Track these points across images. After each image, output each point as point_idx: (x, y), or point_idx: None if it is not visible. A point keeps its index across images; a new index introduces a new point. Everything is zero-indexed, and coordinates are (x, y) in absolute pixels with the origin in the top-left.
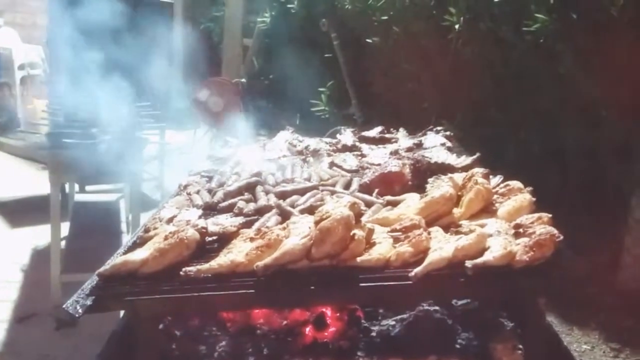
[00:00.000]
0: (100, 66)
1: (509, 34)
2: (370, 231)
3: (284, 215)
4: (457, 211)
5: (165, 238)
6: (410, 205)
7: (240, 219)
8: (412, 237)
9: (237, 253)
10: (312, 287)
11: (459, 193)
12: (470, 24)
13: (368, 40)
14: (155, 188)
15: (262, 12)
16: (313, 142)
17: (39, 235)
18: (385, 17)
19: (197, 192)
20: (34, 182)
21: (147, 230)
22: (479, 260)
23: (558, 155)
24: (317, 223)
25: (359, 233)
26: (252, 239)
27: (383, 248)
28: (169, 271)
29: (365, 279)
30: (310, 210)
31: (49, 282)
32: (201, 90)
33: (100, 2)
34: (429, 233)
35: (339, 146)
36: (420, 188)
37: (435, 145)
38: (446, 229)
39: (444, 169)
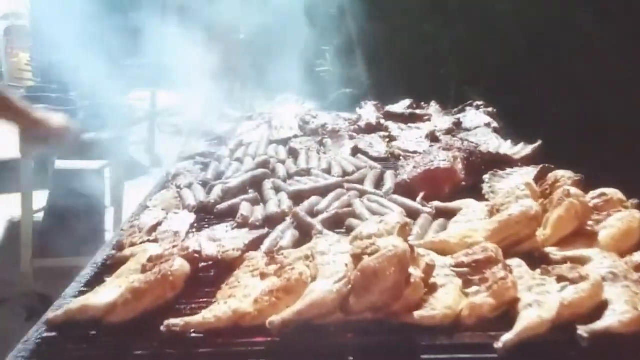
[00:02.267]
0: (86, 19)
1: None
2: (430, 268)
3: (303, 229)
4: (540, 232)
5: (144, 269)
6: (473, 219)
7: (245, 234)
8: (492, 281)
9: (242, 298)
10: (351, 358)
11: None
12: None
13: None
14: (144, 152)
15: None
16: (329, 119)
17: (16, 203)
18: None
19: (189, 187)
20: (14, 143)
21: (120, 247)
22: (599, 326)
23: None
24: (356, 258)
25: (415, 274)
26: (263, 275)
27: (450, 298)
28: (146, 321)
29: (429, 349)
30: (337, 219)
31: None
32: (196, 47)
33: None
34: (510, 271)
35: (362, 125)
36: (473, 189)
37: (479, 125)
38: (528, 258)
39: (498, 160)
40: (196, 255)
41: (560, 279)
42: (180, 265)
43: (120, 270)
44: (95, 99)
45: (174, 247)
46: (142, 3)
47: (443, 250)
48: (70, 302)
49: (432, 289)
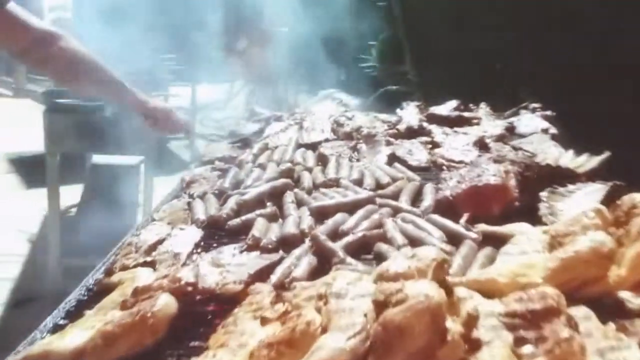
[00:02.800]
0: (126, 13)
1: None
2: (472, 319)
3: (323, 254)
4: (613, 273)
5: (123, 306)
6: (528, 250)
7: (254, 260)
8: (552, 342)
9: (235, 349)
10: None
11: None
12: None
13: None
14: (184, 148)
15: None
16: (366, 121)
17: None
18: None
19: (203, 197)
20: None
21: (109, 273)
22: None
23: None
24: (379, 306)
25: (453, 329)
26: (263, 320)
27: None
28: None
29: None
30: (364, 243)
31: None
32: (239, 40)
33: None
34: (576, 326)
35: (402, 128)
36: (528, 210)
37: (535, 131)
38: (597, 305)
39: (558, 174)
40: (189, 288)
41: (628, 329)
42: (163, 305)
43: (103, 302)
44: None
45: (164, 277)
46: None
47: (489, 291)
48: (35, 343)
49: (474, 346)
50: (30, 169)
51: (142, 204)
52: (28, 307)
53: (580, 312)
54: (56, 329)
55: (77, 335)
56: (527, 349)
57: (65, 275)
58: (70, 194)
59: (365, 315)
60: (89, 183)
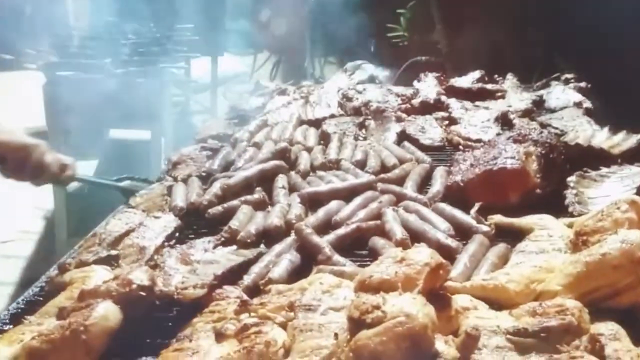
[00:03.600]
0: None
1: None
2: (471, 340)
3: (307, 250)
4: None
5: (60, 315)
6: (548, 249)
7: (228, 257)
8: None
9: None
10: None
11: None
12: None
13: None
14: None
15: None
16: (378, 94)
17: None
18: None
19: (186, 180)
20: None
21: (62, 269)
22: None
23: None
24: (354, 324)
25: (446, 354)
26: (219, 337)
27: None
28: None
29: None
30: (359, 236)
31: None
32: (263, 9)
33: None
34: (601, 350)
35: (416, 103)
36: (552, 198)
37: (567, 105)
38: (628, 320)
39: (590, 155)
40: (142, 293)
41: None
42: (100, 317)
43: (46, 306)
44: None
45: (114, 278)
46: None
47: (498, 300)
48: None
49: None
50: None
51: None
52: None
53: (608, 330)
54: None
55: (4, 349)
56: None
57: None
58: (88, 171)
59: (336, 336)
60: (104, 158)
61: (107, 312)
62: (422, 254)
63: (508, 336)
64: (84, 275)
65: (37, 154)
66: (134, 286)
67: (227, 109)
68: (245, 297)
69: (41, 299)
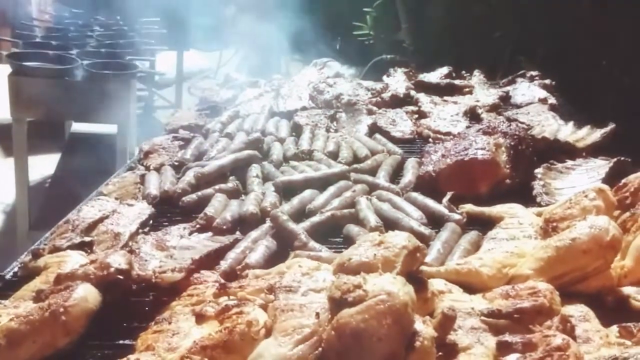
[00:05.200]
0: None
1: None
2: (448, 320)
3: (284, 237)
4: (616, 265)
5: (37, 298)
6: (518, 236)
7: (204, 242)
8: (542, 351)
9: (163, 353)
10: None
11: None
12: None
13: None
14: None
15: None
16: (348, 88)
17: (36, 165)
18: None
19: (159, 169)
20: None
21: (36, 254)
22: None
23: None
24: (335, 304)
25: (424, 332)
26: (199, 317)
27: None
28: None
29: None
30: (333, 223)
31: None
32: (228, 5)
33: None
34: (571, 330)
35: (386, 97)
36: (521, 188)
37: (533, 101)
38: (597, 303)
39: (556, 149)
40: (120, 277)
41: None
42: (80, 299)
43: (21, 290)
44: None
45: (92, 262)
46: None
47: (471, 284)
48: None
49: (450, 353)
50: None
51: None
52: None
53: (578, 312)
54: None
55: None
56: (512, 358)
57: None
58: (50, 164)
59: (318, 315)
60: (65, 152)
61: (86, 294)
62: (399, 237)
63: (482, 318)
64: (59, 260)
65: None
66: (112, 270)
67: (197, 101)
68: (223, 281)
69: (14, 284)
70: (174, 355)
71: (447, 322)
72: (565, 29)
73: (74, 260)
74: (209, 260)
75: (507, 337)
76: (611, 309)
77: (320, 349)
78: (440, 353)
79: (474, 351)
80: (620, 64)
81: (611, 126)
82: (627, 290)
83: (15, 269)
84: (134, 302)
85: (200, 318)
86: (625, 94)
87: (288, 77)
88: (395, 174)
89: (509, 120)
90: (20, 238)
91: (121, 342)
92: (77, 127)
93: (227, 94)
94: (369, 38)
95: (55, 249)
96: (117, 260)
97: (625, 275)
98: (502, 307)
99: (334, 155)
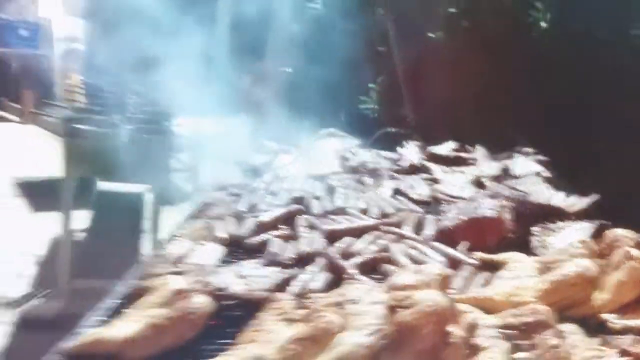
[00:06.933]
0: (135, 48)
1: (610, 36)
2: (472, 327)
3: (335, 272)
4: (597, 296)
5: (165, 304)
6: (521, 275)
7: (274, 273)
8: (542, 349)
9: (264, 344)
10: None
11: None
12: (559, 22)
13: (430, 35)
14: (187, 179)
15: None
16: (369, 157)
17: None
18: (453, 10)
19: (221, 218)
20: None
21: (143, 278)
22: None
23: None
24: (391, 311)
25: (456, 333)
26: (289, 320)
27: None
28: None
29: None
30: (372, 264)
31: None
32: (243, 76)
33: None
34: (563, 337)
35: (404, 165)
36: (522, 243)
37: (528, 173)
38: (582, 325)
39: (550, 213)
40: (220, 292)
41: (624, 353)
42: (203, 303)
43: (141, 302)
44: (141, 123)
45: (197, 282)
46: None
47: (487, 308)
48: (87, 332)
49: (474, 350)
50: (40, 194)
51: (150, 230)
52: (36, 329)
53: (568, 328)
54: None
55: (124, 327)
56: (520, 354)
57: (73, 297)
58: (78, 218)
59: (379, 316)
60: (96, 209)
61: (206, 300)
62: (434, 267)
63: (498, 329)
64: (164, 282)
65: None
66: (214, 287)
67: (237, 163)
68: (299, 299)
69: (120, 301)
70: (272, 345)
71: (472, 329)
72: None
73: (177, 282)
74: (283, 286)
75: (517, 342)
76: (593, 329)
77: (384, 339)
78: (467, 351)
79: (492, 351)
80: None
81: (596, 197)
82: (606, 316)
83: (125, 290)
84: (227, 315)
85: (290, 321)
86: (608, 172)
87: (311, 145)
88: (418, 228)
89: (510, 188)
90: (61, 288)
91: (223, 341)
92: (103, 185)
93: (262, 158)
94: (373, 112)
95: (157, 275)
96: (217, 280)
97: (604, 305)
98: (512, 321)
99: (365, 212)
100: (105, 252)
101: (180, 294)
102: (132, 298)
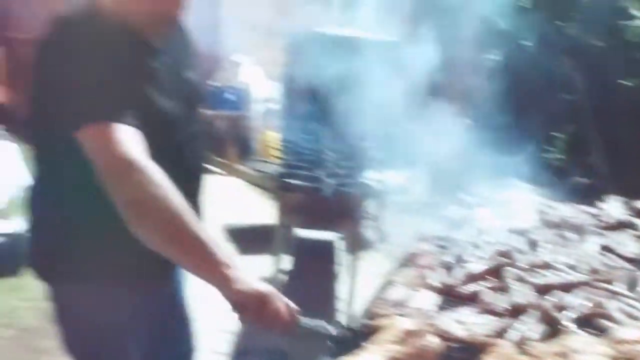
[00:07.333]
0: (327, 108)
1: None
2: None
3: (549, 323)
4: None
5: (400, 341)
6: None
7: (490, 321)
8: None
9: None
10: None
11: None
12: None
13: (622, 82)
14: (371, 229)
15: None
16: (569, 212)
17: (260, 265)
18: None
19: (431, 268)
20: (262, 210)
21: (372, 317)
22: None
23: None
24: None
25: None
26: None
27: None
28: None
29: None
30: (588, 317)
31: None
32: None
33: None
34: None
35: (608, 221)
36: None
37: None
38: None
39: None
40: (445, 335)
41: None
42: (435, 343)
43: (376, 338)
44: (341, 178)
45: (423, 323)
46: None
47: None
48: None
49: None
50: (248, 239)
51: (346, 278)
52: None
53: None
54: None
55: (370, 358)
56: None
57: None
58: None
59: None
60: (296, 253)
61: (438, 342)
62: None
63: None
64: (392, 322)
65: (272, 303)
66: (438, 329)
67: (436, 217)
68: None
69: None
70: None
71: None
72: None
73: (405, 322)
74: (499, 335)
75: None
76: None
77: None
78: None
79: None
80: None
81: None
82: None
83: (356, 327)
84: (449, 357)
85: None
86: None
87: (504, 198)
88: (631, 286)
89: None
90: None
91: None
92: (302, 232)
93: (461, 213)
94: (558, 161)
95: (383, 316)
96: (441, 323)
97: None
98: None
99: (572, 267)
100: (306, 295)
101: (410, 333)
102: (362, 334)
